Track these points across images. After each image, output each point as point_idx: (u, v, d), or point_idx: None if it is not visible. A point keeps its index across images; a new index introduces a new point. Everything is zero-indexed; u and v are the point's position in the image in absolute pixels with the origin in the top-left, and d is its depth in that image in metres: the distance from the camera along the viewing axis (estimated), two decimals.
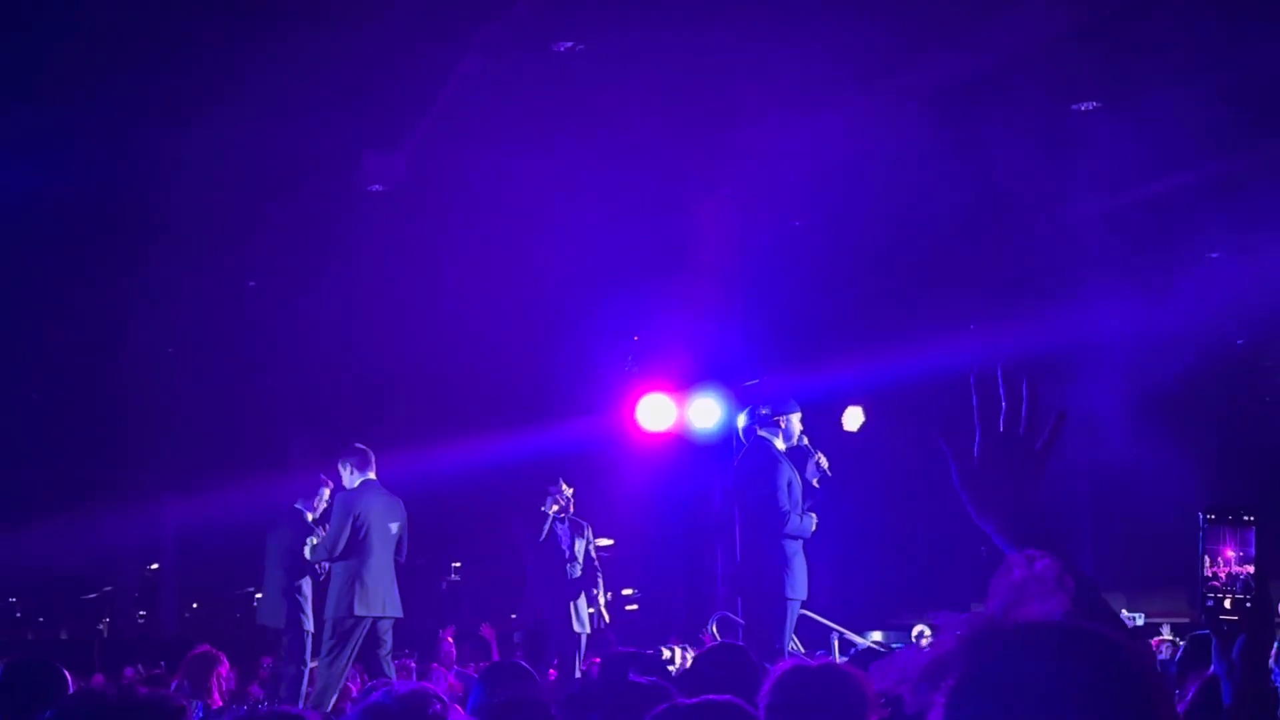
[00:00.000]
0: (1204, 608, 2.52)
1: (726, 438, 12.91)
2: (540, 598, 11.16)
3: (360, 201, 11.58)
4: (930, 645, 1.67)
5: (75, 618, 25.46)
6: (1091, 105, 10.08)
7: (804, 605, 10.00)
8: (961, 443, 2.07)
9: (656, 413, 13.81)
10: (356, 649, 9.70)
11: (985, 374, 2.10)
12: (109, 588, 23.31)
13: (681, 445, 13.96)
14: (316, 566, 10.65)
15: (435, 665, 13.62)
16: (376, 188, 11.38)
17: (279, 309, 13.71)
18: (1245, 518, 2.53)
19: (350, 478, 10.00)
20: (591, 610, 11.21)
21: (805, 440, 9.74)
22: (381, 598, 9.81)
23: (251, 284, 13.59)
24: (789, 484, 9.44)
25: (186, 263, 12.15)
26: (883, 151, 10.41)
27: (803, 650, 10.17)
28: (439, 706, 2.97)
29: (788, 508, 9.41)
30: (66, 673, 5.80)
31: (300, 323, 13.79)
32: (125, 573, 21.91)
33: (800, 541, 9.46)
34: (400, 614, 9.94)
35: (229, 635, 18.48)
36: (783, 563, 9.37)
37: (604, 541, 16.08)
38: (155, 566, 22.21)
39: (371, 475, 10.02)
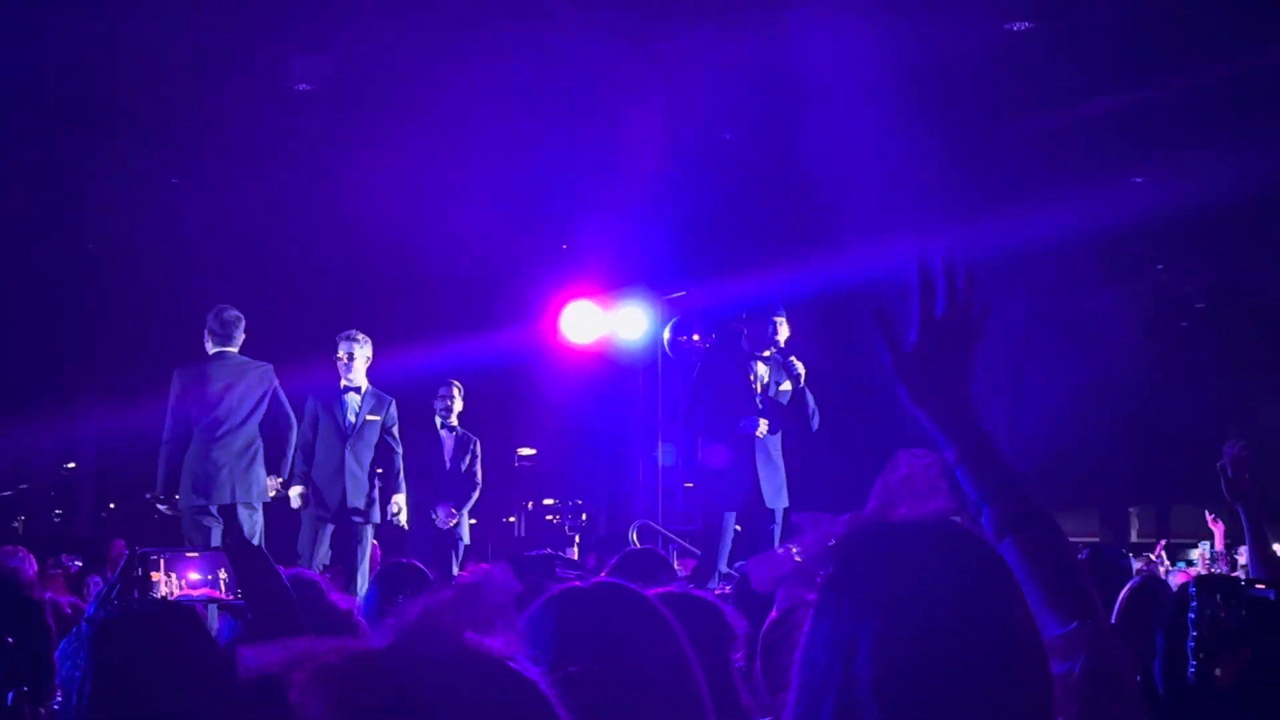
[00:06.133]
0: None
1: (651, 349, 12.95)
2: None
3: (287, 100, 11.42)
4: (800, 545, 1.69)
5: None
6: (1025, 25, 10.12)
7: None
8: (895, 331, 2.08)
9: (582, 323, 13.79)
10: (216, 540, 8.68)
11: (928, 260, 2.10)
12: (24, 486, 23.08)
13: (607, 356, 13.97)
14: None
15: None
16: (304, 87, 11.23)
17: (203, 207, 13.52)
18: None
19: (209, 347, 9.26)
20: (473, 522, 11.02)
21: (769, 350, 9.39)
22: (229, 483, 9.01)
23: (175, 181, 13.39)
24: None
25: (109, 158, 11.94)
26: (814, 66, 10.39)
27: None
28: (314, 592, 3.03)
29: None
30: None
31: (223, 222, 13.61)
32: (42, 472, 21.67)
33: (752, 445, 9.07)
34: (256, 502, 9.13)
35: (148, 536, 18.37)
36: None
37: (526, 451, 16.11)
38: (72, 466, 22.00)
39: (231, 349, 9.25)
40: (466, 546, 11.08)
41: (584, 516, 12.64)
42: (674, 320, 12.29)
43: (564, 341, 13.96)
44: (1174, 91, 11.04)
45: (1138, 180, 12.22)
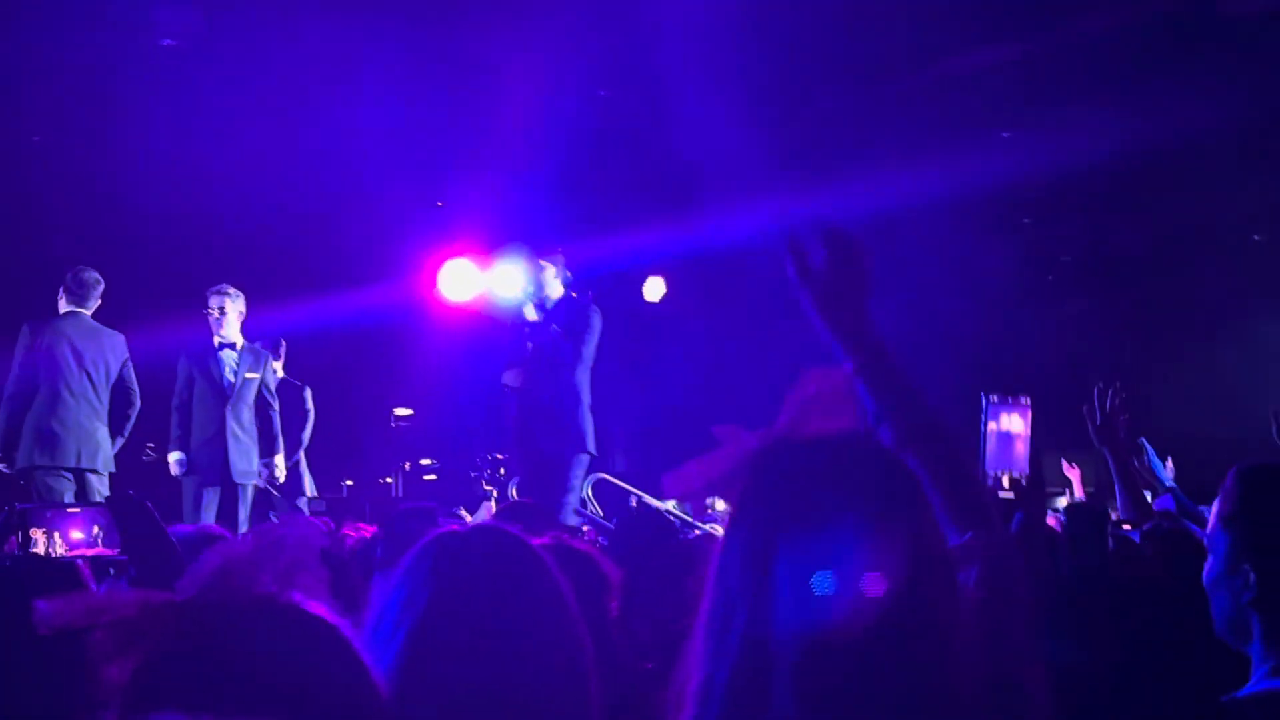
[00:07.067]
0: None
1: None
2: None
3: (153, 56, 11.15)
4: (714, 458, 1.73)
5: None
6: None
7: (602, 470, 10.09)
8: (803, 249, 2.16)
9: (459, 281, 13.70)
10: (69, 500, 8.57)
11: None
12: None
13: (484, 313, 13.91)
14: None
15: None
16: (169, 42, 10.98)
17: (64, 167, 13.17)
18: (1022, 399, 2.70)
19: (60, 305, 9.20)
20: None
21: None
22: (74, 446, 8.89)
23: (36, 139, 13.04)
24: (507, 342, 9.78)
25: None
26: (686, 23, 10.38)
27: (600, 513, 10.33)
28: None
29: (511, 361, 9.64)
30: None
31: (85, 182, 13.28)
32: None
33: (516, 397, 9.57)
34: (103, 469, 9.01)
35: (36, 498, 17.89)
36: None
37: (403, 411, 16.00)
38: None
39: (85, 311, 9.17)
40: (313, 499, 10.97)
41: (501, 471, 12.66)
42: None
43: (440, 300, 13.88)
44: (1041, 48, 11.20)
45: (1004, 135, 12.40)
